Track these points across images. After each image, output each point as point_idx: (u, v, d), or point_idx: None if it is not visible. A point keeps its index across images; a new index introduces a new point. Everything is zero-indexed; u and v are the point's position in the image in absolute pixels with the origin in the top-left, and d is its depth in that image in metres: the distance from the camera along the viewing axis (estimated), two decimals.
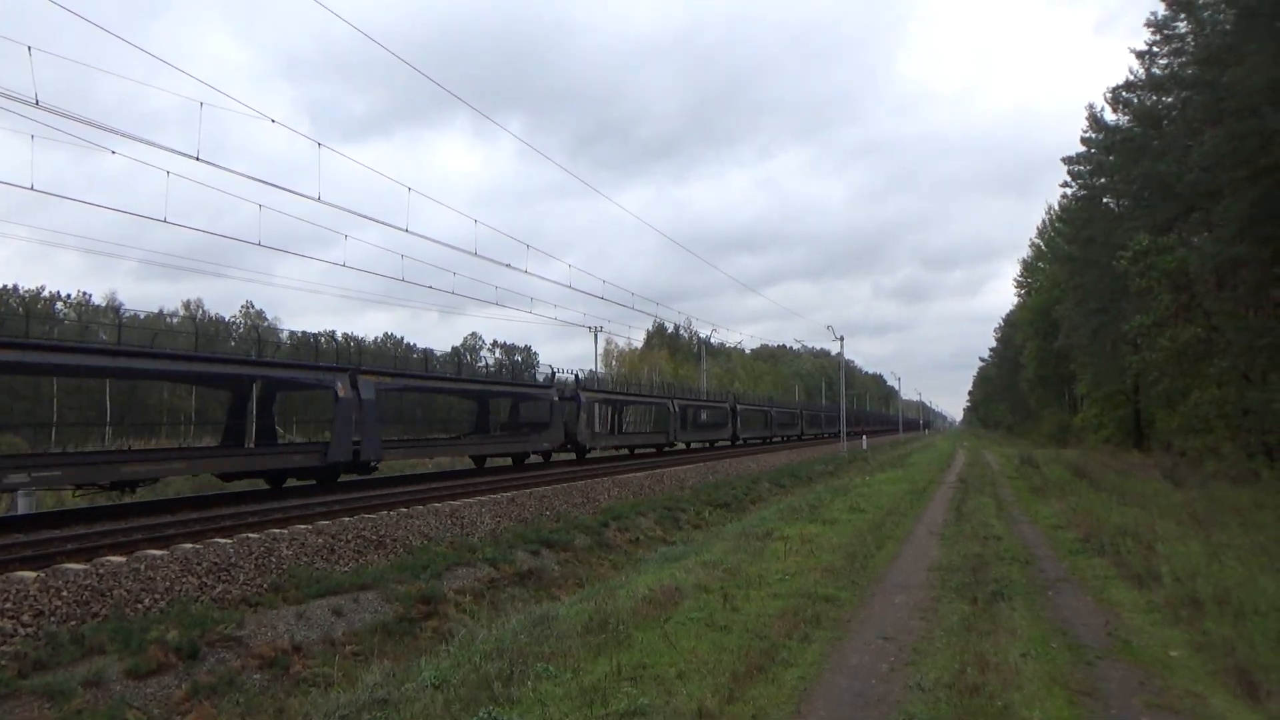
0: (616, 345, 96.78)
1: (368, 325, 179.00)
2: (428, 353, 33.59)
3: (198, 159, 16.00)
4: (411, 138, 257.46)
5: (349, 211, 20.22)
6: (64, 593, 9.92)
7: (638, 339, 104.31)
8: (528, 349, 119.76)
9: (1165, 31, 34.55)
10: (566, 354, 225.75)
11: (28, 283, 79.59)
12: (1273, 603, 8.12)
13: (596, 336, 59.37)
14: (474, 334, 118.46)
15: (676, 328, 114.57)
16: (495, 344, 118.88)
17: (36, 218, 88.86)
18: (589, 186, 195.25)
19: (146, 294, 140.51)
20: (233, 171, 17.44)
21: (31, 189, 15.62)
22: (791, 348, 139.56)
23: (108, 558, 11.62)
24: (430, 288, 42.62)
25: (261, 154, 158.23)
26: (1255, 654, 6.74)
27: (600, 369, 63.34)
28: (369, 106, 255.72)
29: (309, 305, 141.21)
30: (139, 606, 10.25)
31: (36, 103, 13.37)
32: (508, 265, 27.84)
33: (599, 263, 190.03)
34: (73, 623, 9.43)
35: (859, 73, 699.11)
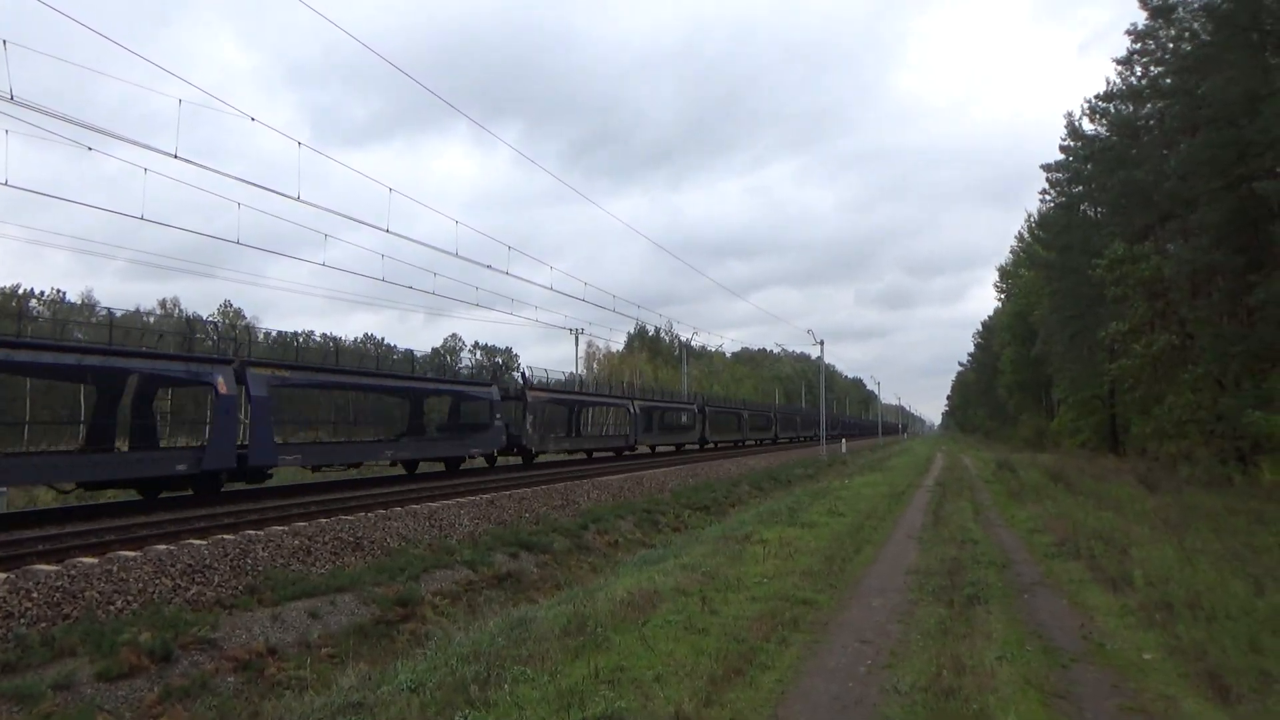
0: (598, 348, 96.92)
1: (354, 326, 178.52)
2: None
3: (176, 157, 15.87)
4: (411, 143, 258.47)
5: (329, 211, 20.12)
6: (34, 594, 9.78)
7: (620, 342, 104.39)
8: (508, 350, 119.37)
9: (1145, 41, 34.97)
10: (551, 356, 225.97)
11: (18, 281, 78.79)
12: (1244, 606, 8.22)
13: (578, 339, 59.42)
14: (454, 335, 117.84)
15: (657, 330, 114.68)
16: (476, 345, 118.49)
17: (34, 218, 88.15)
18: (580, 194, 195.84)
19: (136, 293, 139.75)
20: (210, 169, 17.28)
21: (5, 184, 15.43)
22: (772, 351, 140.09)
23: (79, 559, 11.46)
24: (410, 288, 42.52)
25: (262, 157, 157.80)
26: (1226, 657, 6.81)
27: (581, 371, 63.42)
28: (371, 112, 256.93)
29: (298, 306, 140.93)
30: (111, 608, 10.12)
31: (11, 98, 13.21)
32: (488, 266, 27.78)
33: (591, 267, 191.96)
34: (43, 625, 9.30)
35: (855, 86, 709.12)
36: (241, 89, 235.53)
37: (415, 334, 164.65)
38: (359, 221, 32.26)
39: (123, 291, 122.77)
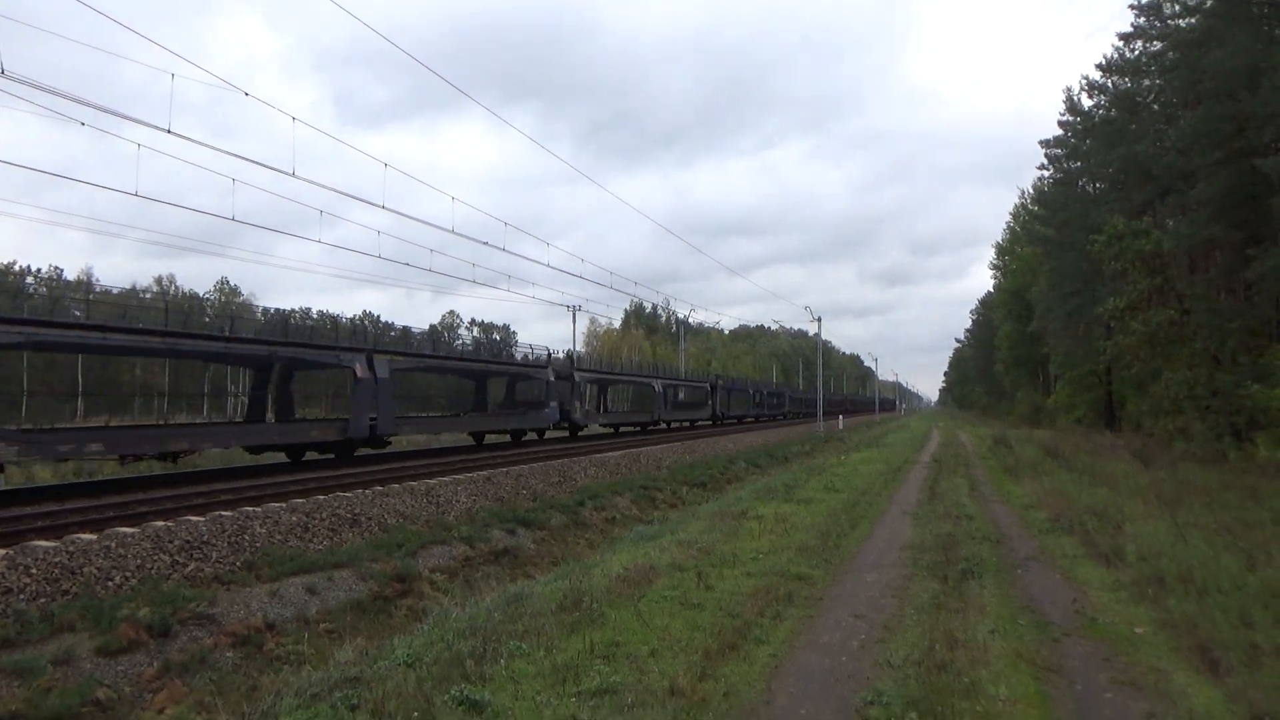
0: (599, 325, 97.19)
1: (358, 303, 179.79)
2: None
3: (169, 132, 15.75)
4: (433, 122, 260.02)
5: (327, 188, 20.02)
6: (33, 570, 9.82)
7: (621, 319, 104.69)
8: (506, 328, 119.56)
9: (1150, 18, 34.69)
10: (552, 333, 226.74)
11: (14, 258, 78.74)
12: (1235, 581, 8.26)
13: (575, 316, 59.38)
14: (451, 311, 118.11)
15: (655, 307, 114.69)
16: (473, 322, 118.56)
17: (48, 197, 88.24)
18: (586, 176, 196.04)
19: (143, 271, 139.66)
20: (204, 145, 17.17)
21: None
22: (769, 328, 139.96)
23: (78, 535, 11.51)
24: (408, 265, 42.28)
25: (282, 138, 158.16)
26: (1217, 631, 6.86)
27: (580, 348, 63.69)
28: (394, 93, 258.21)
29: (302, 284, 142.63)
30: (110, 584, 10.17)
31: (2, 72, 13.10)
32: (484, 243, 27.73)
33: (603, 245, 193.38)
34: (42, 600, 9.34)
35: (866, 70, 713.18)
36: (266, 72, 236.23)
37: (419, 310, 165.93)
38: (355, 199, 32.22)
39: (132, 270, 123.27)
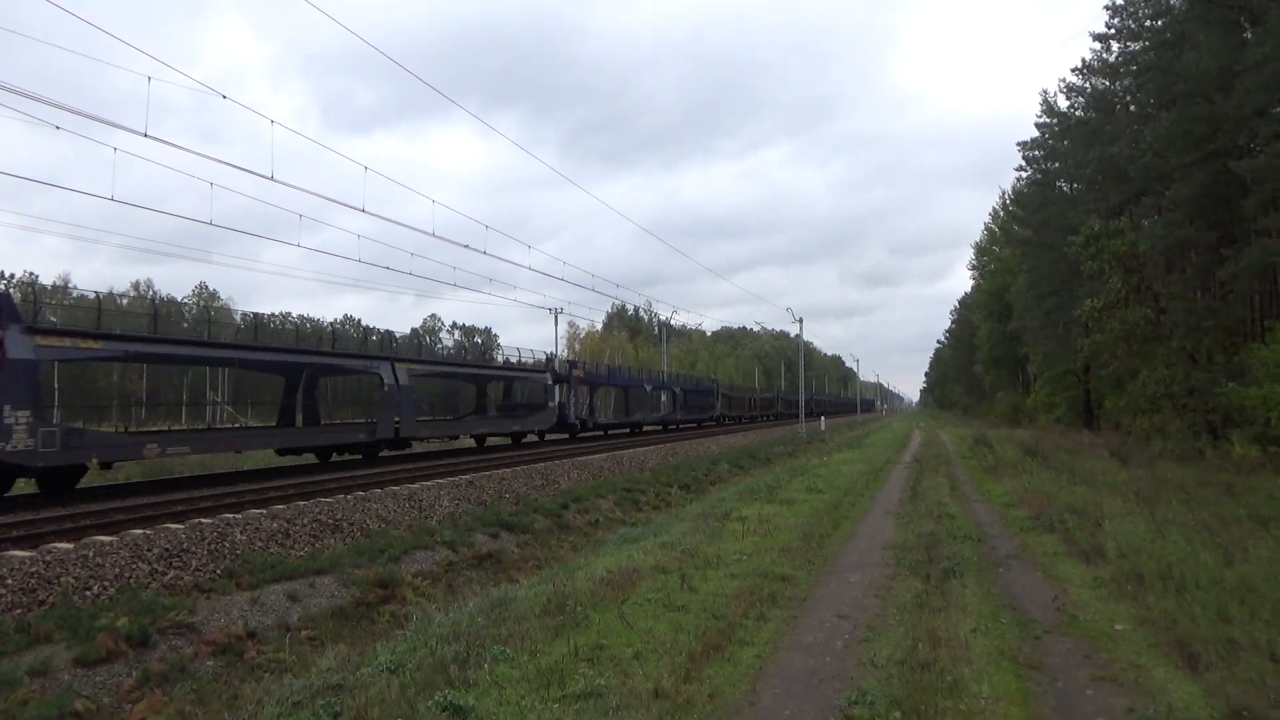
0: (580, 328, 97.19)
1: (339, 308, 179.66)
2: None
3: (145, 135, 15.61)
4: (422, 126, 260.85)
5: (304, 191, 19.92)
6: (9, 580, 9.69)
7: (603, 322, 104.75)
8: (488, 331, 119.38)
9: (1123, 18, 35.07)
10: (535, 336, 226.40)
11: (13, 267, 77.75)
12: (1213, 577, 8.35)
13: (557, 318, 59.31)
14: (433, 315, 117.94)
15: (637, 310, 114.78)
16: (455, 326, 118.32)
17: (29, 203, 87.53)
18: (569, 180, 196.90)
19: (126, 277, 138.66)
20: (181, 149, 17.01)
21: None
22: (751, 329, 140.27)
23: (55, 544, 11.37)
24: (388, 269, 42.07)
25: (271, 145, 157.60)
26: (1196, 627, 6.93)
27: (563, 350, 63.55)
28: (380, 98, 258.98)
29: (285, 289, 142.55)
30: (87, 594, 10.04)
31: None
32: (465, 246, 27.53)
33: (587, 248, 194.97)
34: (18, 611, 9.21)
35: (853, 72, 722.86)
36: (255, 77, 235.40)
37: (403, 314, 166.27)
38: (335, 202, 32.15)
39: (114, 275, 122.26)
